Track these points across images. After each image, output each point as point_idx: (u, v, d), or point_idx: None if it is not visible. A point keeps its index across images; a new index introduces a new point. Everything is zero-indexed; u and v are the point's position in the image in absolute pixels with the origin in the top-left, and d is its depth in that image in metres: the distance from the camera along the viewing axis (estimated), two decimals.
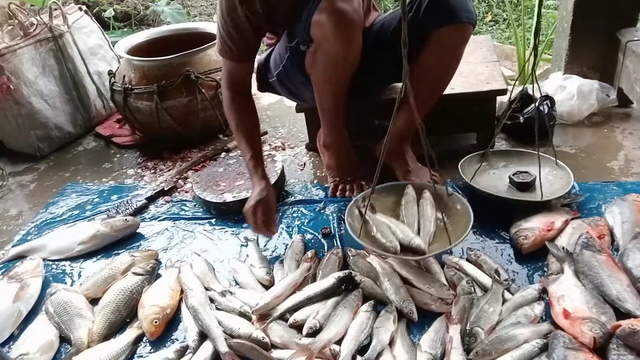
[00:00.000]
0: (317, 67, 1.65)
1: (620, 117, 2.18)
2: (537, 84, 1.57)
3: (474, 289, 1.40)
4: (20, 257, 1.79)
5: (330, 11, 1.50)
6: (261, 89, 2.05)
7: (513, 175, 1.79)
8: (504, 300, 1.37)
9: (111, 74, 2.45)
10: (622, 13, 2.20)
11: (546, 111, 1.99)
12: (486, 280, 1.43)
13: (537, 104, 1.84)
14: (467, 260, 1.52)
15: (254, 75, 1.94)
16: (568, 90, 2.17)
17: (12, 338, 1.49)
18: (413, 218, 1.59)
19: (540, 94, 2.02)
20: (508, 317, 1.31)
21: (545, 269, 1.47)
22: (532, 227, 1.54)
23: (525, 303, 1.34)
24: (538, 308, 1.32)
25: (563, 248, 1.47)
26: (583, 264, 1.39)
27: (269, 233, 1.68)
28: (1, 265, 1.79)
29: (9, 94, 2.35)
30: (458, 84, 1.93)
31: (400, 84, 2.03)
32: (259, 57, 1.95)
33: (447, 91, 1.82)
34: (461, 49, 1.72)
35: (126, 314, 1.49)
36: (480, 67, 2.09)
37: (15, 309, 1.55)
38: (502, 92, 1.95)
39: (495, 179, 1.83)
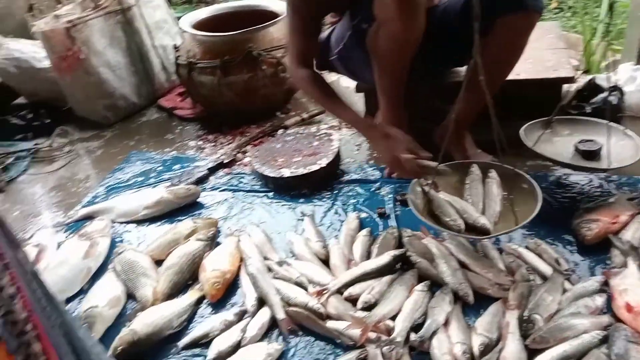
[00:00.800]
0: (379, 46, 1.65)
1: None
2: (609, 73, 1.51)
3: (533, 276, 1.39)
4: (89, 217, 1.89)
5: None
6: (320, 67, 2.07)
7: (579, 143, 1.73)
8: (564, 290, 1.35)
9: (176, 48, 2.52)
10: None
11: (615, 102, 1.93)
12: (546, 269, 1.42)
13: (606, 94, 1.80)
14: (527, 248, 1.51)
15: None
16: (638, 82, 2.09)
17: (82, 292, 1.58)
18: (478, 197, 1.56)
19: (610, 84, 1.97)
20: (568, 306, 1.30)
21: (608, 261, 1.44)
22: (596, 219, 1.51)
23: (585, 294, 1.33)
24: (599, 300, 1.30)
25: (628, 242, 1.44)
26: None
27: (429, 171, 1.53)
28: (71, 224, 1.90)
29: (79, 64, 2.46)
30: (523, 70, 1.89)
31: (462, 69, 2.03)
32: (320, 36, 1.97)
33: (512, 77, 1.78)
34: (527, 37, 1.68)
35: (189, 276, 1.56)
36: (547, 54, 2.04)
37: (85, 265, 1.64)
38: (570, 79, 1.90)
39: (558, 147, 1.76)
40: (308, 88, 1.82)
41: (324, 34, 1.97)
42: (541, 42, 2.14)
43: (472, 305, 1.37)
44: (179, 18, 2.75)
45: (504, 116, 1.82)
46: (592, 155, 1.68)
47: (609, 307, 1.30)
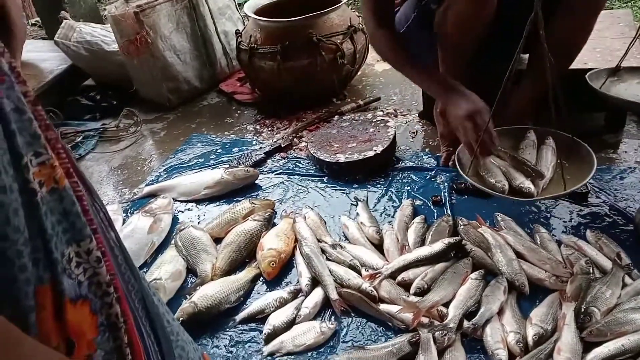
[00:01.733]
0: (447, 26, 1.63)
1: None
2: None
3: (592, 270, 1.36)
4: (153, 195, 1.98)
5: None
6: None
7: None
8: (624, 285, 1.32)
9: (238, 33, 2.58)
10: None
11: None
12: (606, 263, 1.39)
13: None
14: (587, 241, 1.48)
15: None
16: None
17: (146, 265, 1.67)
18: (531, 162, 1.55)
19: None
20: (627, 301, 1.27)
21: None
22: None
23: None
24: None
25: None
26: None
27: (490, 145, 1.50)
28: (136, 201, 2.00)
29: (146, 48, 2.56)
30: (592, 59, 1.83)
31: (526, 56, 1.98)
32: None
33: (579, 66, 1.73)
34: (594, 19, 1.62)
35: (246, 254, 1.62)
36: (616, 43, 1.96)
37: (149, 239, 1.73)
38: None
39: (627, 95, 1.70)
40: (386, 50, 1.76)
41: None
42: (611, 30, 2.06)
43: (528, 296, 1.36)
44: (240, 4, 2.81)
45: (570, 108, 1.78)
46: None
47: None
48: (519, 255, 1.45)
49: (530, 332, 1.22)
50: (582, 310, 1.24)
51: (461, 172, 1.50)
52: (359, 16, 2.57)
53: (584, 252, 1.43)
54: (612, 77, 1.70)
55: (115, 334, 0.64)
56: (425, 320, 1.29)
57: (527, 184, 1.45)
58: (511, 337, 1.22)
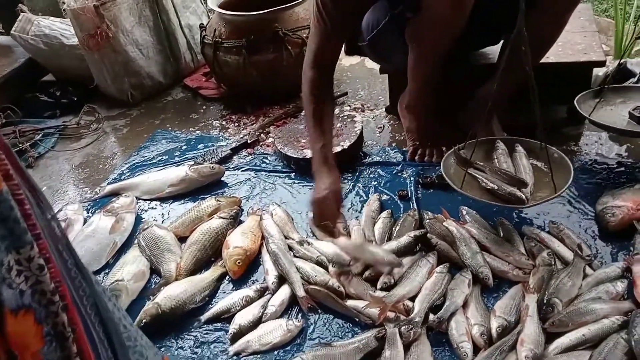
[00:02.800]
0: (422, 34, 1.63)
1: None
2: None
3: (554, 261, 1.38)
4: (115, 194, 1.93)
5: None
6: (349, 52, 2.06)
7: (633, 110, 1.70)
8: (585, 276, 1.34)
9: (203, 27, 2.53)
10: None
11: None
12: (567, 254, 1.41)
13: (636, 78, 1.75)
14: (549, 232, 1.50)
15: None
16: None
17: (108, 266, 1.63)
18: (510, 170, 1.57)
19: None
20: (588, 291, 1.29)
21: (632, 248, 1.42)
22: (621, 205, 1.49)
23: (607, 280, 1.32)
24: (620, 285, 1.29)
25: None
26: None
27: (332, 233, 1.52)
28: (98, 200, 1.95)
29: (107, 42, 2.49)
30: (553, 53, 1.85)
31: (489, 50, 2.00)
32: None
33: (542, 60, 1.75)
34: (569, 14, 1.64)
35: (211, 253, 1.60)
36: (578, 37, 1.99)
37: (111, 239, 1.69)
38: (600, 63, 1.87)
39: (612, 116, 1.73)
40: (306, 92, 1.71)
41: None
42: (572, 25, 2.08)
43: (492, 288, 1.37)
44: None
45: (529, 101, 1.81)
46: None
47: (630, 293, 1.29)
48: (483, 248, 1.46)
49: (494, 324, 1.23)
50: (545, 301, 1.26)
51: (454, 185, 1.51)
52: None
53: (546, 244, 1.45)
54: (598, 98, 1.73)
55: (63, 344, 0.61)
56: (391, 315, 1.29)
57: (518, 191, 1.46)
58: (475, 330, 1.23)
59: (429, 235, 1.52)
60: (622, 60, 2.07)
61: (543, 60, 1.79)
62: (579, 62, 1.85)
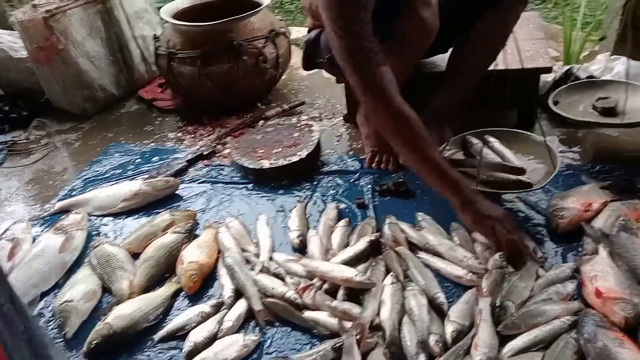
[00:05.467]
0: (391, 57, 1.64)
1: None
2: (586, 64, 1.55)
3: (506, 264, 1.40)
4: (66, 211, 1.87)
5: (412, 18, 1.55)
6: (307, 68, 2.05)
7: (596, 101, 1.77)
8: (537, 277, 1.37)
9: (156, 38, 2.49)
10: None
11: None
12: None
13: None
14: None
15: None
16: (615, 72, 2.10)
17: (58, 286, 1.57)
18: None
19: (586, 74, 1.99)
20: (539, 293, 1.32)
21: (580, 249, 1.46)
22: (569, 207, 1.53)
23: (557, 281, 1.35)
24: (570, 286, 1.32)
25: (599, 229, 1.46)
26: (619, 246, 1.38)
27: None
28: (47, 218, 1.88)
29: (57, 54, 2.42)
30: (501, 60, 1.89)
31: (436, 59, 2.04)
32: (307, 37, 1.95)
33: (490, 67, 1.79)
34: (511, 28, 1.71)
35: (166, 269, 1.56)
36: (526, 44, 2.04)
37: (61, 259, 1.63)
38: (547, 70, 1.92)
39: (576, 110, 1.82)
40: (408, 132, 1.42)
41: (312, 34, 1.93)
42: (520, 32, 2.14)
43: (447, 293, 1.38)
44: (160, 8, 2.71)
45: (483, 107, 1.87)
46: (611, 111, 1.74)
47: (579, 294, 1.32)
48: (438, 253, 1.48)
49: (449, 329, 1.24)
50: (498, 304, 1.28)
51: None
52: (280, 20, 2.56)
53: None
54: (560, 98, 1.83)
55: None
56: (348, 325, 1.28)
57: (524, 177, 1.55)
58: (431, 338, 1.23)
59: (381, 239, 1.53)
60: (568, 67, 2.14)
61: (493, 67, 1.83)
62: (526, 68, 1.89)
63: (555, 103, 1.80)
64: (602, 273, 1.31)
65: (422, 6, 1.58)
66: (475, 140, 1.75)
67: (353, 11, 1.38)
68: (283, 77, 2.67)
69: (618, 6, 2.26)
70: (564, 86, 1.84)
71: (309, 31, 1.99)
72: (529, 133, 1.76)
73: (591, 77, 2.01)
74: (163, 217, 1.72)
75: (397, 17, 1.58)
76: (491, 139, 1.73)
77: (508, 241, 1.37)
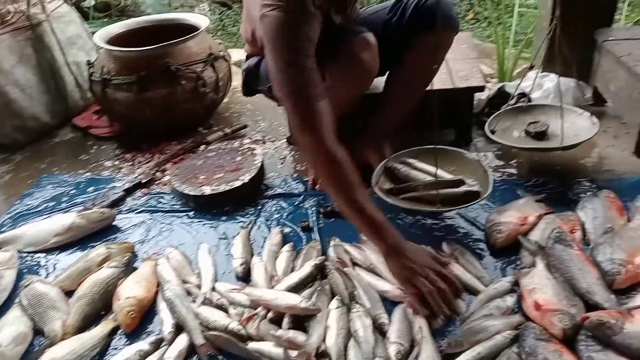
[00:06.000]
0: (336, 88, 1.65)
1: (595, 115, 2.21)
2: (518, 81, 1.62)
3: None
4: None
5: (351, 58, 1.58)
6: (247, 94, 2.04)
7: (527, 126, 1.83)
8: (477, 293, 1.39)
9: (90, 64, 2.42)
10: (599, 13, 2.24)
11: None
12: (460, 272, 1.45)
13: (514, 100, 1.88)
14: (443, 251, 1.54)
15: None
16: (545, 88, 2.19)
17: None
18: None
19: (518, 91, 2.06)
20: (480, 309, 1.33)
21: (518, 262, 1.49)
22: (506, 222, 1.57)
23: (497, 295, 1.37)
24: (510, 300, 1.35)
25: (535, 242, 1.50)
26: (555, 258, 1.42)
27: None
28: None
29: None
30: (437, 80, 1.93)
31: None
32: (245, 64, 1.94)
33: (424, 90, 1.83)
34: (444, 54, 1.77)
35: (101, 306, 1.48)
36: (459, 64, 2.11)
37: None
38: (480, 88, 1.98)
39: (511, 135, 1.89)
40: (334, 176, 1.39)
41: (251, 62, 1.92)
42: (454, 52, 2.21)
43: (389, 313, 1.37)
44: (94, 33, 2.64)
45: (421, 126, 1.90)
46: (542, 135, 1.82)
47: (519, 307, 1.34)
48: (374, 270, 1.49)
49: (392, 351, 1.23)
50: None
51: (385, 198, 1.60)
52: (220, 43, 2.53)
53: None
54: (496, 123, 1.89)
55: None
56: (293, 353, 1.25)
57: (470, 187, 1.60)
58: None
59: (326, 262, 1.53)
60: (500, 84, 2.22)
61: (429, 87, 1.87)
62: (460, 88, 1.95)
63: (492, 132, 1.86)
64: (540, 285, 1.34)
65: (361, 49, 1.61)
66: (399, 166, 1.76)
67: (296, 44, 1.37)
68: (225, 100, 2.64)
69: (545, 25, 2.38)
70: (498, 112, 1.90)
71: (247, 58, 1.98)
72: (461, 150, 1.79)
73: (522, 94, 2.09)
74: (98, 251, 1.65)
75: (333, 57, 1.60)
76: (411, 161, 1.75)
77: (429, 293, 1.27)
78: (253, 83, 1.93)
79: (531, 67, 1.98)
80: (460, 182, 1.62)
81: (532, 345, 1.19)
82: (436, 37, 1.61)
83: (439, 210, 1.54)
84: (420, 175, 1.70)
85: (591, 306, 1.29)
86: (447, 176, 1.68)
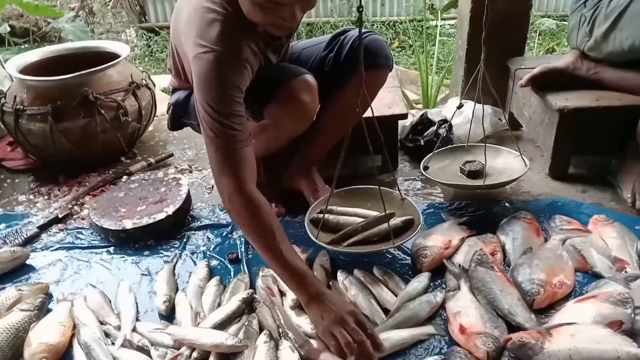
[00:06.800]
0: (261, 137, 1.69)
1: (512, 139, 2.32)
2: (440, 107, 1.67)
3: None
4: None
5: (291, 100, 1.59)
6: (174, 128, 1.98)
7: (463, 165, 1.90)
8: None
9: (1, 94, 2.28)
10: (512, 43, 2.38)
11: (444, 134, 2.09)
12: (389, 297, 1.47)
13: (436, 127, 1.94)
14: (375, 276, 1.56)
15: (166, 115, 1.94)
16: (464, 115, 2.28)
17: None
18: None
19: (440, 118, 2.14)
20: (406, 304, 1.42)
21: (444, 285, 1.52)
22: (431, 246, 1.60)
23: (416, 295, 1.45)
24: (440, 296, 1.44)
25: (460, 265, 1.54)
26: (477, 280, 1.46)
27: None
28: None
29: None
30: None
31: None
32: (173, 98, 1.89)
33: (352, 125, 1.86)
34: (378, 90, 1.83)
35: (10, 354, 1.36)
36: (383, 93, 2.15)
37: None
38: (403, 116, 2.03)
39: (447, 173, 1.94)
40: (253, 228, 1.40)
41: (179, 95, 1.86)
42: None
43: None
44: (7, 60, 2.50)
45: (349, 153, 1.93)
46: (477, 174, 1.89)
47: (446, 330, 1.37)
48: None
49: None
50: None
51: (320, 242, 1.59)
52: (143, 72, 2.47)
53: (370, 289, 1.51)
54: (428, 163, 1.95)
55: None
56: None
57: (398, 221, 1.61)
58: None
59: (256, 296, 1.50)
60: (423, 111, 2.29)
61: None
62: (384, 115, 1.99)
63: (425, 168, 1.91)
64: (464, 309, 1.37)
65: (302, 91, 1.62)
66: (320, 215, 1.71)
67: (225, 90, 1.38)
68: (150, 128, 2.57)
69: (462, 55, 2.49)
70: (433, 152, 1.95)
71: (173, 91, 1.92)
72: (389, 189, 1.78)
73: (443, 120, 2.17)
74: (8, 293, 1.53)
75: (273, 97, 1.61)
76: (332, 208, 1.73)
77: (347, 344, 1.23)
78: (181, 116, 1.88)
79: (460, 106, 2.05)
80: (391, 215, 1.62)
81: None
82: (371, 75, 1.64)
83: (394, 246, 1.55)
84: (350, 219, 1.69)
85: (514, 327, 1.33)
86: (374, 213, 1.68)
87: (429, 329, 1.36)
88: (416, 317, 1.39)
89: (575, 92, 1.96)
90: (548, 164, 2.06)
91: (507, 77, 2.37)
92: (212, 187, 2.14)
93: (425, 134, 2.13)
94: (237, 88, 1.40)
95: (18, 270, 1.70)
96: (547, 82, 2.03)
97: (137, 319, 1.47)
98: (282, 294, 1.52)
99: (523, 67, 2.24)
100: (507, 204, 1.89)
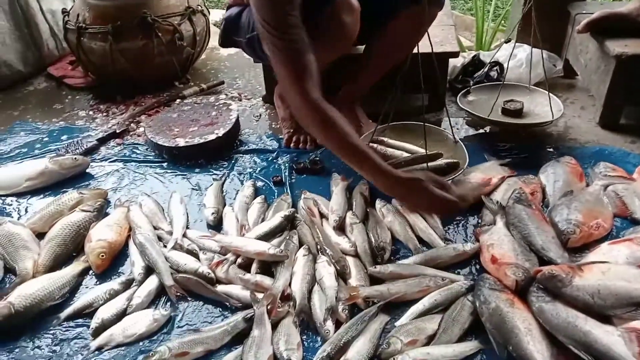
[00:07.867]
0: (321, 46, 1.64)
1: (564, 87, 2.28)
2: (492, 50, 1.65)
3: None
4: None
5: (333, 21, 1.58)
6: (224, 45, 2.03)
7: (505, 103, 1.92)
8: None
9: (65, 12, 2.37)
10: None
11: (495, 76, 2.07)
12: (423, 225, 1.53)
13: (487, 68, 1.92)
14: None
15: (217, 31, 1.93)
16: (518, 58, 2.24)
17: None
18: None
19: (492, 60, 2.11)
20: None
21: (480, 220, 1.56)
22: (472, 182, 1.62)
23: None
24: (469, 245, 1.44)
25: (497, 202, 1.56)
26: (514, 216, 1.48)
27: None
28: None
29: None
30: None
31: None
32: (227, 13, 1.91)
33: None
34: (427, 27, 1.77)
35: (73, 248, 1.51)
36: (435, 30, 2.12)
37: None
38: (455, 54, 2.01)
39: (486, 108, 1.94)
40: (323, 127, 1.40)
41: (232, 11, 1.89)
42: None
43: None
44: None
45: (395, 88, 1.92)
46: (519, 113, 1.91)
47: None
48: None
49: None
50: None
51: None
52: None
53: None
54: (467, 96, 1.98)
55: None
56: (260, 295, 1.30)
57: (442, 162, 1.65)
58: (339, 305, 1.27)
59: (296, 214, 1.57)
60: (475, 53, 2.26)
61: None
62: (436, 53, 1.97)
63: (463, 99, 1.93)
64: (497, 241, 1.41)
65: (344, 12, 1.61)
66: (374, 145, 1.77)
67: (281, 5, 1.37)
68: (202, 56, 2.63)
69: None
70: (473, 86, 1.95)
71: (228, 7, 1.96)
72: (440, 128, 1.84)
73: (495, 62, 2.13)
74: (70, 195, 1.66)
75: (316, 16, 1.58)
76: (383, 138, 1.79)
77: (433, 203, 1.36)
78: (232, 33, 1.91)
79: (508, 41, 2.02)
80: (438, 155, 1.65)
81: (486, 294, 1.26)
82: (422, 11, 1.62)
83: None
84: (397, 152, 1.73)
85: (545, 262, 1.36)
86: (422, 151, 1.70)
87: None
88: (440, 259, 1.42)
89: (636, 39, 1.89)
90: (599, 113, 2.01)
91: (567, 22, 2.29)
92: (260, 115, 2.21)
93: (476, 74, 2.11)
94: (290, 3, 1.38)
95: (79, 177, 1.83)
96: (608, 28, 1.96)
97: (187, 227, 1.58)
98: (322, 215, 1.60)
99: (584, 12, 2.15)
100: (551, 149, 1.88)
